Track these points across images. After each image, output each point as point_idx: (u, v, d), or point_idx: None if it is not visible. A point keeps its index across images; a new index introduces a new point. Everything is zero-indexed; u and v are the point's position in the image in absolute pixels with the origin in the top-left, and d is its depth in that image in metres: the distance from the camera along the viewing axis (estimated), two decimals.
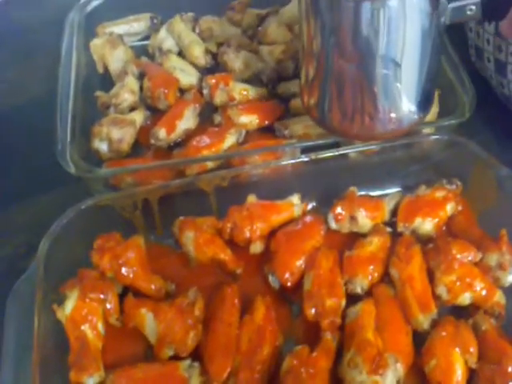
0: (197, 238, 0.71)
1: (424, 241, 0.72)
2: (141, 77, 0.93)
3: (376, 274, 0.69)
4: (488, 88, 0.90)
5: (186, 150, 0.81)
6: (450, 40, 0.87)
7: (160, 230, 0.75)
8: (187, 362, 0.61)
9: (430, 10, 0.64)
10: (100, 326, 0.64)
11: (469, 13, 0.66)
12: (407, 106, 0.70)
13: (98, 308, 0.64)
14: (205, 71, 0.96)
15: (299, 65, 0.75)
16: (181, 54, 0.99)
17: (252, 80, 0.94)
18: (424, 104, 0.72)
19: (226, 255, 0.71)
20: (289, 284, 0.69)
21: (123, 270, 0.67)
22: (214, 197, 0.74)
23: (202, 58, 0.97)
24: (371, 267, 0.69)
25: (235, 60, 0.94)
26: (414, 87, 0.69)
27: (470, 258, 0.68)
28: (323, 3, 0.64)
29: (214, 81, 0.89)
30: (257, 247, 0.73)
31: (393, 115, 0.70)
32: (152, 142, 0.84)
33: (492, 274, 0.68)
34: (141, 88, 0.91)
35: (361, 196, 0.76)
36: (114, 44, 0.96)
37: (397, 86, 0.68)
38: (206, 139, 0.82)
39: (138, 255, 0.68)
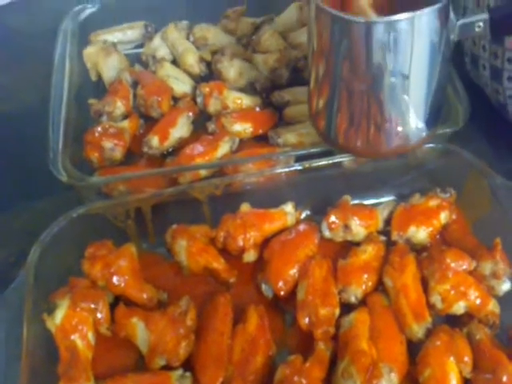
0: (189, 247, 0.70)
1: (418, 249, 0.72)
2: (134, 85, 0.93)
3: (370, 283, 0.68)
4: (482, 97, 0.90)
5: (179, 158, 0.81)
6: None
7: (152, 239, 0.75)
8: (179, 371, 0.60)
9: (440, 27, 0.64)
10: (90, 336, 0.63)
11: (477, 29, 0.67)
12: (415, 122, 0.70)
13: (89, 317, 0.63)
14: (199, 79, 0.96)
15: (308, 80, 0.74)
16: (175, 62, 0.99)
17: (246, 88, 0.94)
18: (432, 122, 0.72)
19: (219, 264, 0.70)
20: (282, 293, 0.68)
21: (114, 278, 0.66)
22: (207, 205, 0.74)
23: (195, 67, 0.97)
24: (365, 276, 0.68)
25: (229, 68, 0.94)
26: (422, 104, 0.69)
27: (464, 267, 0.67)
28: (335, 23, 0.64)
29: (207, 89, 0.89)
30: (250, 256, 0.72)
31: (400, 132, 0.70)
32: (145, 150, 0.83)
33: (486, 283, 0.67)
34: (134, 96, 0.91)
35: (354, 204, 0.76)
36: (108, 52, 0.96)
37: (405, 102, 0.68)
38: (199, 147, 0.81)
39: (130, 264, 0.67)
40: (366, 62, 0.65)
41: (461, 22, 0.66)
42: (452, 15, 0.66)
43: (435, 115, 0.72)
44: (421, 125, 0.70)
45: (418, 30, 0.63)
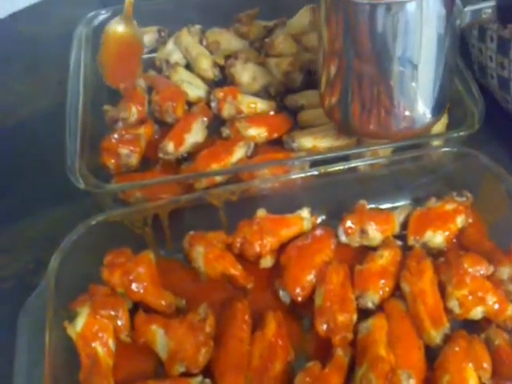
0: (207, 253, 0.71)
1: (435, 254, 0.72)
2: (149, 90, 0.93)
3: (387, 289, 0.68)
4: (496, 100, 0.90)
5: (195, 163, 0.81)
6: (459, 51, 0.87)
7: (170, 245, 0.75)
8: (198, 378, 0.61)
9: (446, 13, 0.66)
10: (111, 343, 0.63)
11: (484, 16, 0.69)
12: (422, 106, 0.73)
13: (109, 324, 0.64)
14: (212, 84, 0.96)
15: (319, 70, 0.77)
16: (188, 66, 0.99)
17: (260, 93, 0.94)
18: (437, 106, 0.75)
19: (236, 270, 0.71)
20: (299, 299, 0.68)
21: (133, 285, 0.66)
22: (223, 211, 0.74)
23: (209, 71, 0.97)
24: (382, 281, 0.68)
25: (243, 73, 0.94)
26: (429, 88, 0.72)
27: (481, 272, 0.67)
28: (342, 7, 0.66)
29: (222, 94, 0.89)
30: (267, 262, 0.72)
31: (408, 115, 0.73)
32: (160, 155, 0.84)
33: (504, 288, 0.67)
34: (149, 101, 0.91)
35: (371, 209, 0.76)
36: None
37: (413, 86, 0.71)
38: (214, 153, 0.82)
39: (149, 270, 0.68)
40: (373, 46, 0.67)
41: (468, 8, 0.69)
42: (458, 1, 0.68)
43: (440, 100, 0.75)
44: (426, 109, 0.74)
45: (423, 14, 0.65)
